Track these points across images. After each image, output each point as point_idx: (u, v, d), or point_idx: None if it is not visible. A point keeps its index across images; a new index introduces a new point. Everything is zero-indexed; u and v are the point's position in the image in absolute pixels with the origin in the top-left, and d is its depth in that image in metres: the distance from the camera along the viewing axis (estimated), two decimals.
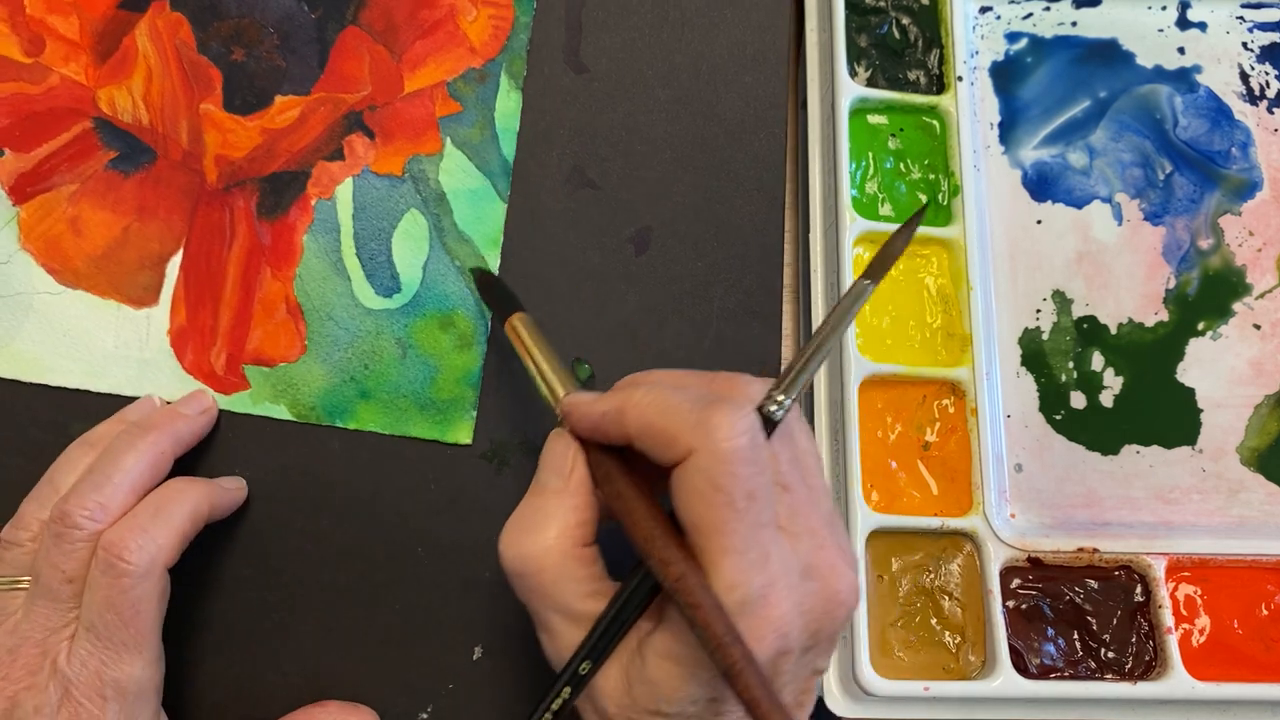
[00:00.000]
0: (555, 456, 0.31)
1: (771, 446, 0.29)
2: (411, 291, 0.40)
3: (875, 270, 0.31)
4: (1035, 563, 0.40)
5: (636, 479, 0.30)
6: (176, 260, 0.39)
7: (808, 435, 0.31)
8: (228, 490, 0.37)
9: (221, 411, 0.38)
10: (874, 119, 0.45)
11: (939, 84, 0.45)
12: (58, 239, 0.39)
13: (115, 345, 0.38)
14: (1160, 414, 0.43)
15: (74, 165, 0.40)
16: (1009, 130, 0.46)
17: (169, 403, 0.38)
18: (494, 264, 0.41)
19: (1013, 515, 0.42)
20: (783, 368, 0.30)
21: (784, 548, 0.28)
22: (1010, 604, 0.40)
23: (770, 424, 0.29)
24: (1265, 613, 0.41)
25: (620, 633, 0.29)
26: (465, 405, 0.39)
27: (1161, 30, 0.48)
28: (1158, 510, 0.42)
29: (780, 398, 0.29)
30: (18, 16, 0.41)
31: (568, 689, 0.29)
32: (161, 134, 0.40)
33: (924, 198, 0.44)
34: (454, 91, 0.42)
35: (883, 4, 0.46)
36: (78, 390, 0.38)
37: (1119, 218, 0.45)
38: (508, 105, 0.42)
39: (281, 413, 0.38)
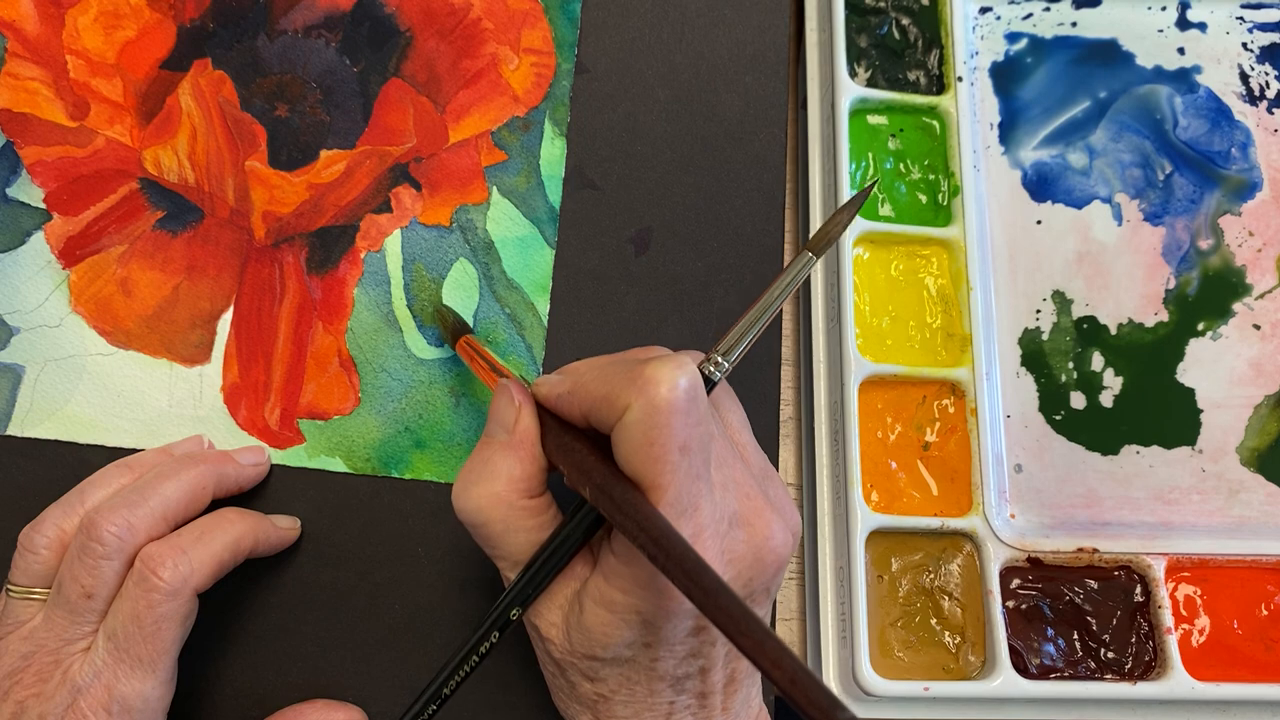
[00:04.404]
0: (500, 410, 0.31)
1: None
2: None
3: (818, 244, 0.32)
4: (1035, 563, 0.40)
5: (585, 439, 0.30)
6: (227, 318, 0.40)
7: (732, 397, 0.32)
8: (279, 529, 0.37)
9: (277, 465, 0.38)
10: (874, 119, 0.45)
11: (939, 84, 0.45)
12: (108, 300, 0.39)
13: (169, 404, 0.39)
14: (1160, 414, 0.43)
15: (122, 226, 0.40)
16: (1009, 130, 0.46)
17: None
18: (543, 311, 0.41)
19: (1012, 515, 0.42)
20: (725, 339, 0.31)
21: (713, 498, 0.28)
22: (1010, 604, 0.40)
23: (709, 384, 0.30)
24: (1265, 613, 0.41)
25: (549, 576, 0.30)
26: None
27: (1161, 31, 0.48)
28: (1157, 510, 0.42)
29: (719, 360, 0.30)
30: (61, 81, 0.41)
31: (496, 633, 0.30)
32: (208, 192, 0.40)
33: (924, 197, 0.44)
34: (499, 140, 0.42)
35: (883, 4, 0.46)
36: (133, 449, 0.38)
37: (1119, 218, 0.45)
38: (552, 152, 0.42)
39: (337, 465, 0.39)
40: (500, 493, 0.30)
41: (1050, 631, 0.40)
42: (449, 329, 0.39)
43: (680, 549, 0.25)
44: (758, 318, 0.31)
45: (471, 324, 0.40)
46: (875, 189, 0.44)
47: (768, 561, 0.29)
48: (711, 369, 0.30)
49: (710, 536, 0.27)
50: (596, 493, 0.28)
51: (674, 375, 0.27)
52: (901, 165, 0.44)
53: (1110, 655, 0.40)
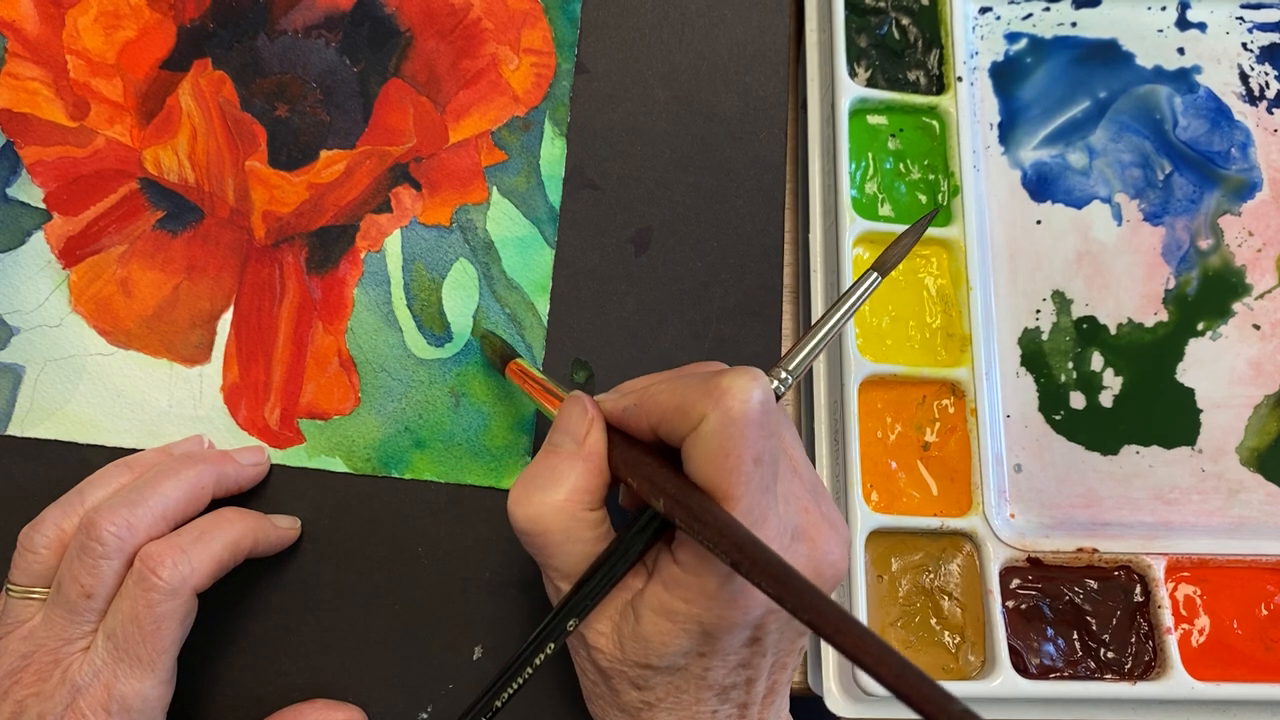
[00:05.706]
0: (571, 420, 0.31)
1: None
2: (463, 340, 0.40)
3: (884, 264, 0.32)
4: (1035, 563, 0.40)
5: (652, 453, 0.30)
6: (227, 318, 0.40)
7: (784, 413, 0.32)
8: (279, 529, 0.37)
9: (277, 465, 0.38)
10: (874, 119, 0.45)
11: (939, 84, 0.45)
12: (108, 300, 0.39)
13: (169, 404, 0.39)
14: (1160, 414, 0.43)
15: (122, 226, 0.40)
16: (1009, 130, 0.46)
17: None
18: (542, 310, 0.41)
19: (1012, 515, 0.42)
20: (784, 351, 0.31)
21: (778, 511, 0.28)
22: (1010, 604, 0.40)
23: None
24: (1265, 613, 0.41)
25: (608, 587, 0.30)
26: (519, 451, 0.39)
27: (1161, 31, 0.48)
28: (1157, 510, 0.42)
29: (783, 375, 0.30)
30: (61, 81, 0.41)
31: (551, 645, 0.30)
32: (208, 192, 0.40)
33: (923, 198, 0.44)
34: (499, 140, 0.42)
35: (883, 4, 0.46)
36: (133, 449, 0.38)
37: (1119, 218, 0.45)
38: (552, 152, 0.42)
39: (337, 465, 0.39)
40: (562, 502, 0.30)
41: (1050, 631, 0.40)
42: (497, 354, 0.39)
43: (765, 554, 0.25)
44: (823, 337, 0.31)
45: (471, 324, 0.40)
46: (875, 190, 0.44)
47: (827, 575, 0.29)
48: (776, 384, 0.30)
49: (775, 549, 0.27)
50: (671, 504, 0.27)
51: (750, 387, 0.26)
52: (901, 165, 0.45)
53: (1110, 655, 0.40)
